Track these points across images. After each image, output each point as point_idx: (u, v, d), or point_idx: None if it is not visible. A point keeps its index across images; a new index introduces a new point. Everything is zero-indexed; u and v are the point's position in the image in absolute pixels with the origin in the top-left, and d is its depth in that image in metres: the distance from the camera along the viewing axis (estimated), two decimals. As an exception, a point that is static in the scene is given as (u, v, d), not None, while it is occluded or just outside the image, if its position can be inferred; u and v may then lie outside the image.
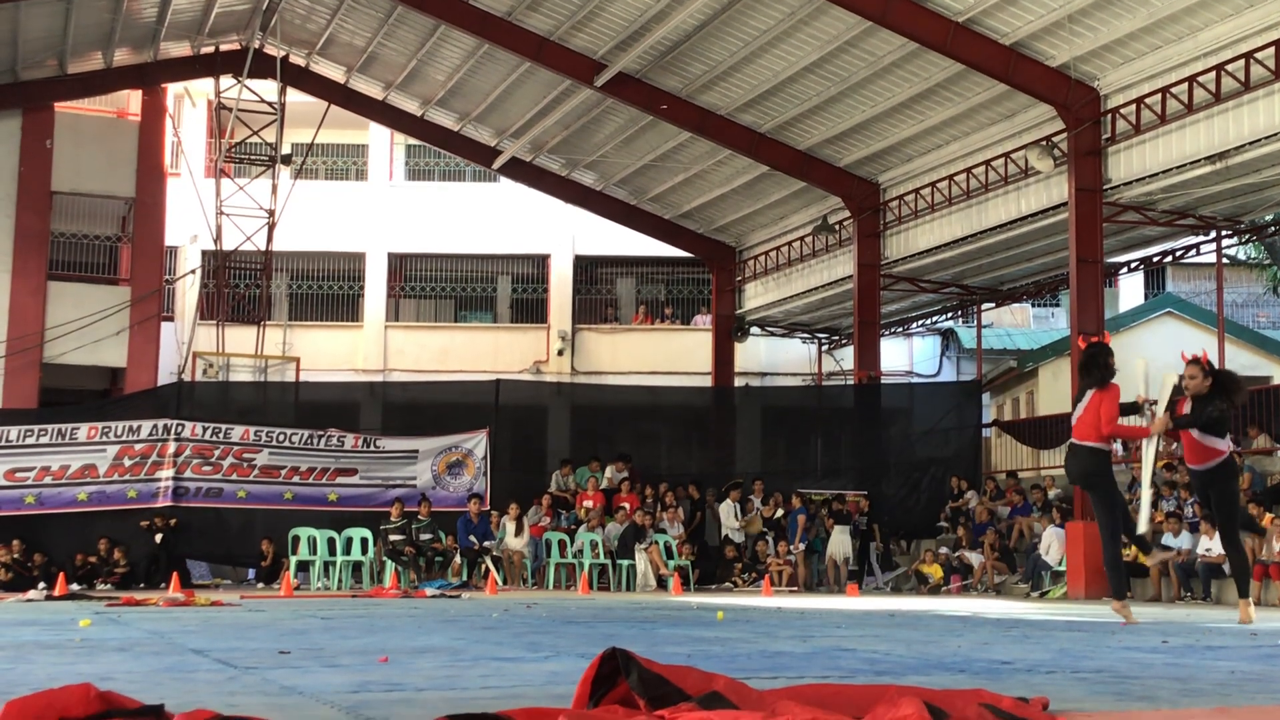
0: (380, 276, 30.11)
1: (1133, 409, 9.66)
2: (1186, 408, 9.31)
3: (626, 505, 21.01)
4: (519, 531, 20.38)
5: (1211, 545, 16.18)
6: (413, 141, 29.90)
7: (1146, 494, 9.80)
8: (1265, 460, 18.42)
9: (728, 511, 21.21)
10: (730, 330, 27.05)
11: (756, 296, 26.62)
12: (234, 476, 20.83)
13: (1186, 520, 16.91)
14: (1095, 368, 9.52)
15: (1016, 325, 31.48)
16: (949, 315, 26.81)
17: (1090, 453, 9.39)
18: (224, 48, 25.80)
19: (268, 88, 26.54)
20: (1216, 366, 9.59)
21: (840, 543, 20.62)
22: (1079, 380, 9.68)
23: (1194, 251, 20.86)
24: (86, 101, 26.06)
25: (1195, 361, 9.39)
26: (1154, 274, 30.17)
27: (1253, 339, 26.65)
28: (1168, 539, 16.91)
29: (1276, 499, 16.67)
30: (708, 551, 21.11)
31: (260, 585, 20.09)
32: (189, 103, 29.69)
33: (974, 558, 19.43)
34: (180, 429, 20.76)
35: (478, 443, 21.87)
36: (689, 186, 25.31)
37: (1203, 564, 15.98)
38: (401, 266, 30.64)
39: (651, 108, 21.80)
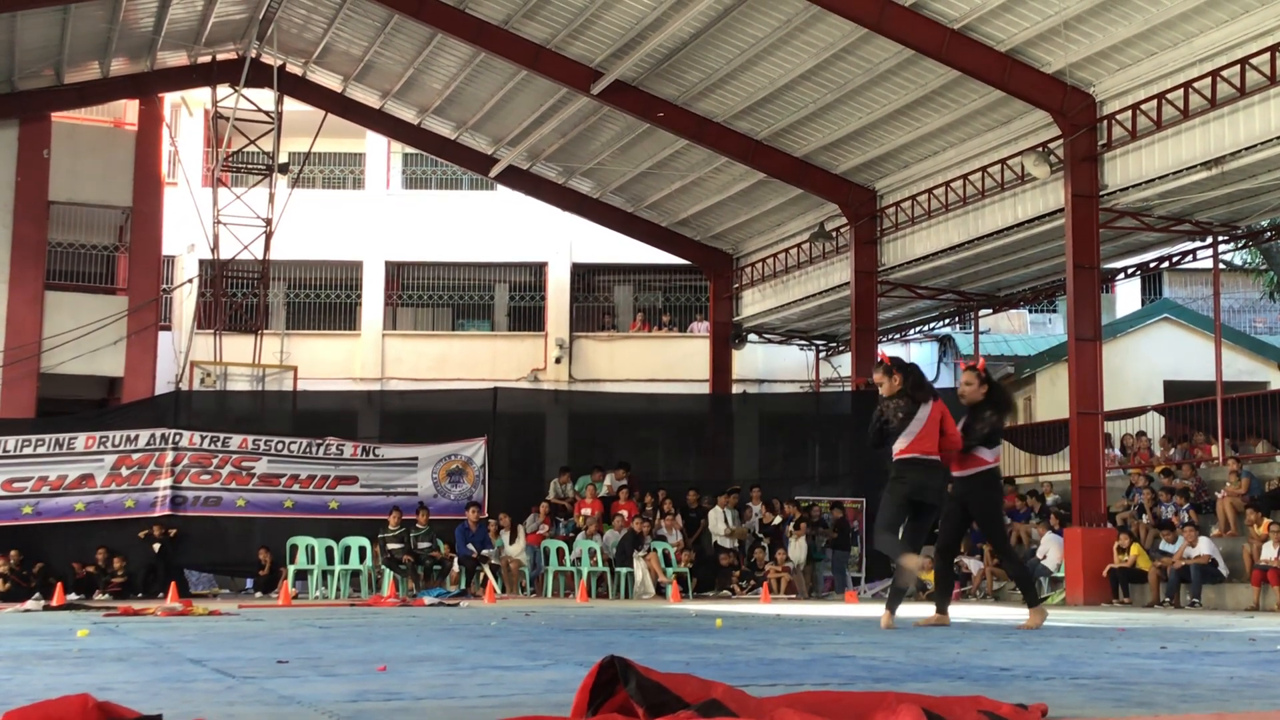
0: (378, 285, 30.13)
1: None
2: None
3: (624, 513, 21.01)
4: (513, 539, 20.41)
5: (1195, 549, 16.20)
6: (410, 150, 29.92)
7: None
8: (1263, 466, 18.42)
9: (716, 518, 21.21)
10: (728, 337, 27.06)
11: (754, 304, 26.63)
12: (233, 485, 20.82)
13: (1181, 526, 16.91)
14: (922, 388, 9.29)
15: (1014, 331, 31.50)
16: (946, 322, 26.82)
17: (939, 466, 9.26)
18: (221, 57, 25.82)
19: (264, 97, 26.57)
20: (993, 377, 9.54)
21: (798, 549, 20.70)
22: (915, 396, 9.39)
23: (1190, 257, 20.89)
24: (83, 111, 26.07)
25: (971, 369, 9.36)
26: (1151, 279, 30.23)
27: (1250, 344, 26.70)
28: (1163, 545, 16.93)
29: (1274, 504, 16.68)
30: (706, 559, 21.11)
31: (258, 594, 20.07)
32: (186, 112, 29.71)
33: (973, 564, 19.42)
34: (178, 438, 20.75)
35: (476, 450, 21.88)
36: (686, 194, 25.33)
37: (1194, 567, 15.99)
38: (399, 275, 30.65)
39: (648, 115, 21.82)
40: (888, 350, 27.10)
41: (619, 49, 20.30)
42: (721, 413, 25.63)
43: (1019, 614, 12.79)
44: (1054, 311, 31.27)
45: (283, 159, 27.53)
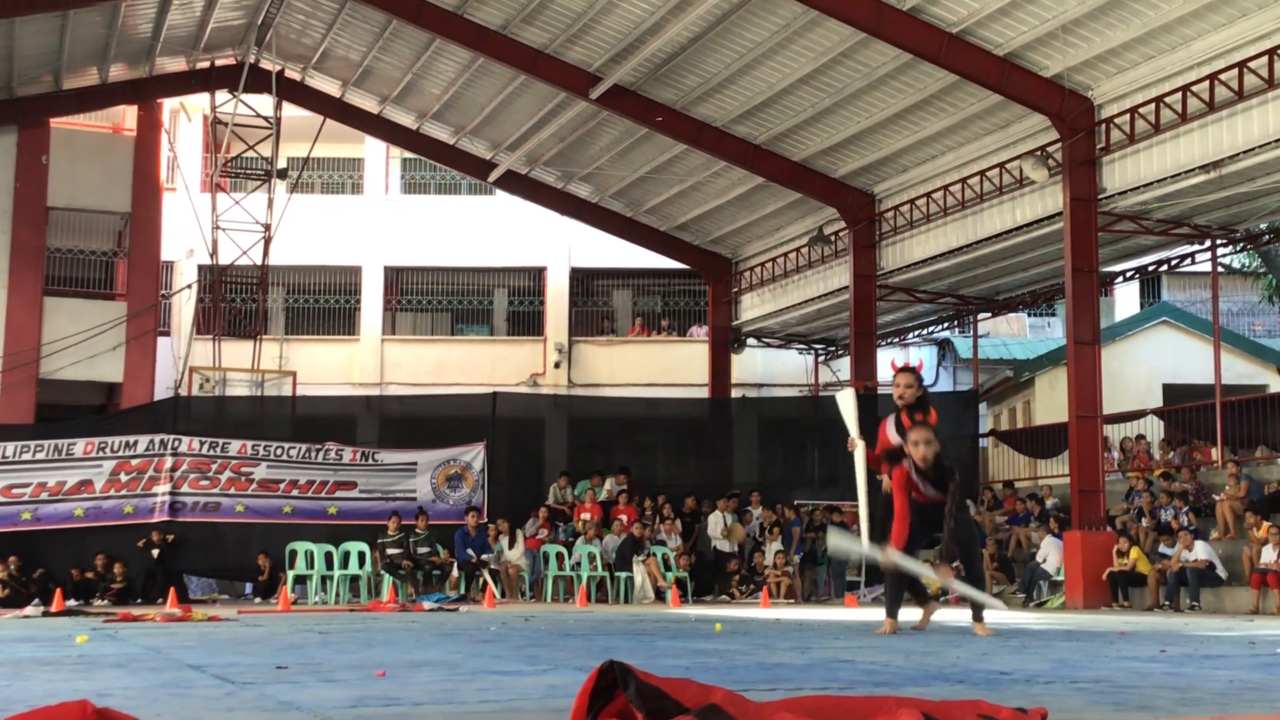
0: (377, 290, 30.11)
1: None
2: (891, 424, 9.03)
3: (624, 517, 21.02)
4: (511, 544, 20.41)
5: (1193, 554, 16.18)
6: (408, 155, 29.93)
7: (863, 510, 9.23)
8: (1262, 469, 18.42)
9: (715, 522, 21.22)
10: (727, 342, 27.05)
11: (753, 308, 26.63)
12: (232, 491, 20.82)
13: (1178, 530, 16.89)
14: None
15: (1013, 335, 31.50)
16: (945, 325, 26.81)
17: None
18: (219, 63, 25.83)
19: (263, 102, 26.57)
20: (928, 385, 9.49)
21: (771, 553, 20.79)
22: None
23: (1189, 260, 20.88)
24: (82, 117, 26.08)
25: (910, 370, 9.29)
26: (1149, 283, 30.22)
27: (1248, 347, 26.68)
28: (1162, 548, 16.91)
29: (1274, 507, 16.67)
30: (705, 563, 21.11)
31: (257, 600, 20.06)
32: (185, 118, 29.72)
33: (972, 568, 19.39)
34: (177, 444, 20.75)
35: (475, 455, 21.88)
36: (685, 198, 25.33)
37: (1191, 571, 15.98)
38: (398, 280, 30.64)
39: (647, 120, 21.83)
40: (886, 354, 27.14)
41: (617, 54, 20.31)
42: (721, 417, 25.61)
43: (1018, 617, 12.79)
44: (1053, 315, 31.27)
45: (281, 164, 27.52)
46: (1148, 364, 25.09)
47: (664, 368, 29.00)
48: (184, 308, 28.80)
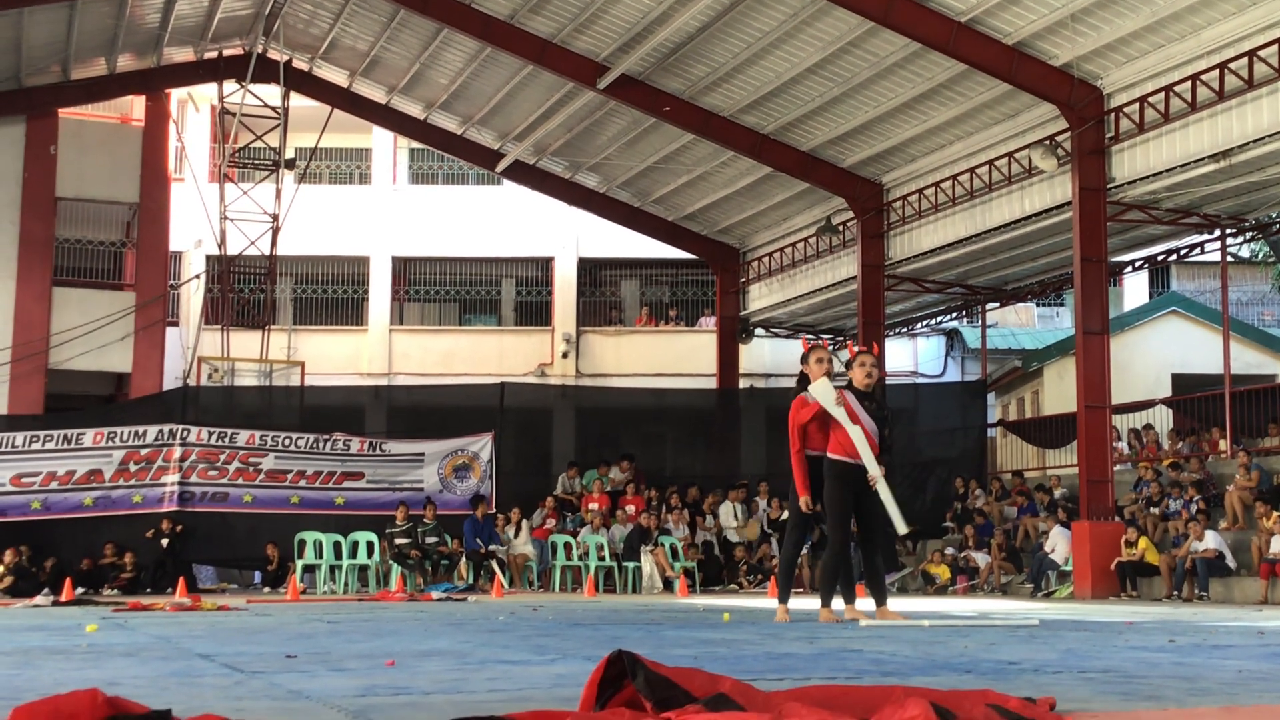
0: (384, 280, 30.12)
1: None
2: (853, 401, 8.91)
3: (632, 507, 21.04)
4: (518, 533, 20.45)
5: (1202, 544, 16.16)
6: (416, 145, 29.91)
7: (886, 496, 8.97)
8: (1272, 459, 18.38)
9: (727, 513, 21.23)
10: (735, 332, 27.04)
11: (761, 298, 26.61)
12: (240, 481, 20.87)
13: (1187, 521, 16.85)
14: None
15: (1021, 325, 31.45)
16: (953, 315, 26.77)
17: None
18: (227, 53, 25.83)
19: (271, 92, 26.58)
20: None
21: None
22: None
23: (1198, 250, 20.82)
24: (90, 107, 26.10)
25: (870, 352, 9.25)
26: (1158, 273, 30.15)
27: (1258, 337, 26.63)
28: (1170, 537, 16.88)
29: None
30: (711, 554, 21.13)
31: (266, 589, 20.12)
32: (192, 108, 29.74)
33: (980, 558, 19.42)
34: (186, 434, 20.80)
35: (483, 446, 21.91)
36: (692, 188, 25.31)
37: (1200, 561, 15.95)
38: (406, 270, 30.65)
39: (654, 110, 21.80)
40: (894, 345, 27.08)
41: (625, 43, 20.28)
42: (729, 407, 25.61)
43: (1030, 607, 12.78)
44: (1061, 305, 31.22)
45: (289, 154, 27.52)
46: (1157, 354, 25.05)
47: (672, 358, 28.99)
48: (192, 298, 28.83)
